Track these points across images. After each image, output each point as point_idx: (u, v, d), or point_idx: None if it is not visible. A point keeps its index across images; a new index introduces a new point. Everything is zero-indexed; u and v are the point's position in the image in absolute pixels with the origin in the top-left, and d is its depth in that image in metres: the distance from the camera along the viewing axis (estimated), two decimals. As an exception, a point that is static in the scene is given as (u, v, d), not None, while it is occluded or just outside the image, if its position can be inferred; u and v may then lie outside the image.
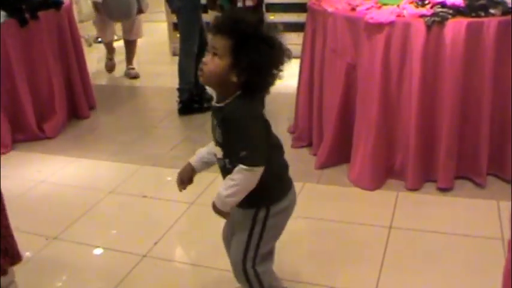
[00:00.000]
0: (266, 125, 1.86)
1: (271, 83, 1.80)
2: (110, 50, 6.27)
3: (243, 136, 1.76)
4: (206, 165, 2.03)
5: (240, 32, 1.72)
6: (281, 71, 1.80)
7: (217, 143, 1.87)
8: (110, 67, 6.27)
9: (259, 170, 1.76)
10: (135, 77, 5.99)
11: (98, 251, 2.75)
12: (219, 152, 1.87)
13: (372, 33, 3.09)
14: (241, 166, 1.75)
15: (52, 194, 3.39)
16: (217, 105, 1.84)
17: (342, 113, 3.39)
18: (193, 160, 2.04)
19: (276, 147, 1.92)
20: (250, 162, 1.74)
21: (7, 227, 2.18)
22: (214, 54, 1.76)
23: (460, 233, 2.74)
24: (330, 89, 3.43)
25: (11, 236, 2.21)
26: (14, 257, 2.19)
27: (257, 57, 1.71)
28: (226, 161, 1.85)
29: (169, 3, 4.67)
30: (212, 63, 1.76)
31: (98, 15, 5.85)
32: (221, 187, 1.82)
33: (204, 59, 1.80)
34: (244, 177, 1.76)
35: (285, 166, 1.97)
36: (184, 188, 2.06)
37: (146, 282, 2.51)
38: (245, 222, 1.91)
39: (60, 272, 2.60)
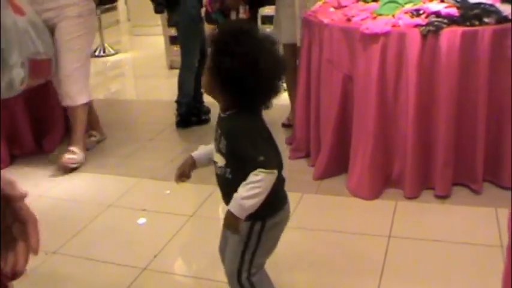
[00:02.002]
0: (270, 135, 1.86)
1: (261, 99, 1.79)
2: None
3: (254, 146, 1.75)
4: (208, 161, 1.98)
5: (215, 50, 1.76)
6: (270, 85, 1.78)
7: (219, 151, 1.85)
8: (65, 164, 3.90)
9: (276, 174, 1.75)
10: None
11: (97, 265, 2.74)
12: (221, 160, 1.85)
13: (367, 44, 3.11)
14: (260, 170, 1.72)
15: (51, 208, 3.38)
16: (222, 115, 1.85)
17: (339, 124, 3.41)
18: (196, 154, 2.01)
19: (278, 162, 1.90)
20: (269, 165, 1.73)
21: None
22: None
23: (459, 241, 2.75)
24: (326, 100, 3.44)
25: (12, 251, 2.21)
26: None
27: (227, 73, 1.72)
28: (228, 170, 1.84)
29: (169, 17, 4.70)
30: (204, 76, 1.81)
31: None
32: (238, 193, 1.76)
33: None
34: (265, 179, 1.72)
35: (282, 180, 1.95)
36: (183, 181, 2.00)
37: (146, 295, 2.51)
38: (241, 234, 1.89)
39: (60, 287, 2.60)
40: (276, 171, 1.76)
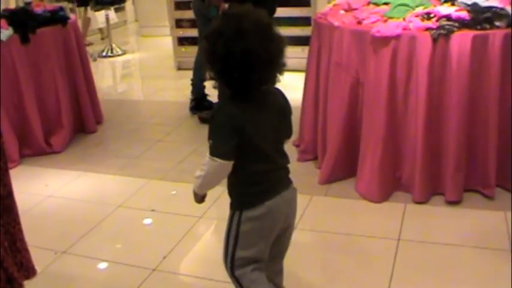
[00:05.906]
0: (240, 128, 1.78)
1: (243, 85, 1.76)
2: None
3: (212, 129, 1.82)
4: None
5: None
6: (247, 72, 1.72)
7: None
8: None
9: (219, 162, 1.78)
10: None
11: (107, 265, 2.75)
12: None
13: (378, 47, 3.11)
14: (208, 154, 1.80)
15: (60, 208, 3.40)
16: None
17: (346, 127, 3.39)
18: None
19: (254, 151, 1.84)
20: (211, 152, 1.79)
21: (22, 240, 2.19)
22: None
23: (469, 244, 2.74)
24: (334, 103, 3.43)
25: (26, 250, 2.21)
26: (29, 270, 2.19)
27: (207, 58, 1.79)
28: None
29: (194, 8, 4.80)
30: None
31: None
32: None
33: None
34: (208, 164, 1.81)
35: (263, 173, 1.89)
36: None
37: (156, 296, 2.51)
38: (227, 224, 1.94)
39: (69, 287, 2.60)
40: (217, 159, 1.78)
